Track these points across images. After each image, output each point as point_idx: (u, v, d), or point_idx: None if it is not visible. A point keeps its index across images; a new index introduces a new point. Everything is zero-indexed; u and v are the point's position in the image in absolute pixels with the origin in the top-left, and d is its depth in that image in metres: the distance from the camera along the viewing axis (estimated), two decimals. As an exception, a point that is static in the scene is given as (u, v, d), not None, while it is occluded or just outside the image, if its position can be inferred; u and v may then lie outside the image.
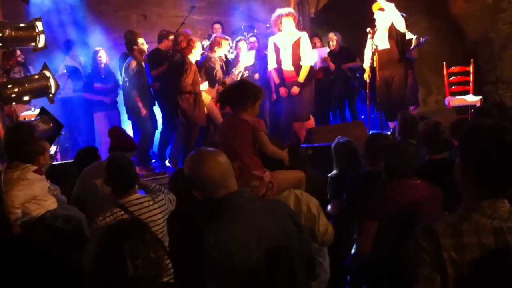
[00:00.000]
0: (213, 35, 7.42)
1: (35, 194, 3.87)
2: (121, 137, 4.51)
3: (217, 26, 8.33)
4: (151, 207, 3.40)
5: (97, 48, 7.93)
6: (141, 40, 7.17)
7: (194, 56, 6.82)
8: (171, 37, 7.35)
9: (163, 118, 7.60)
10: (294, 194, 3.22)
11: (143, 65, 7.21)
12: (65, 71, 8.07)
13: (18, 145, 4.02)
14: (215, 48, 7.11)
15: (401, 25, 7.03)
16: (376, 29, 7.19)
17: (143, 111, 7.04)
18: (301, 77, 6.94)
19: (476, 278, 1.72)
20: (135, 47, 7.07)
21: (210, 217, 2.08)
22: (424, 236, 1.78)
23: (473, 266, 1.71)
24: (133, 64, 7.00)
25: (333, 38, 8.41)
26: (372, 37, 7.18)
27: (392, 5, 7.01)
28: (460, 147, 1.89)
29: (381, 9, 7.09)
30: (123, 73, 7.18)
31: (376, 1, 7.08)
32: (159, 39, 7.50)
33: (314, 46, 7.94)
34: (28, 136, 4.19)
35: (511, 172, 1.76)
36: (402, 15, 7.14)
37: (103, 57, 7.80)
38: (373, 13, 7.17)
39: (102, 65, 7.79)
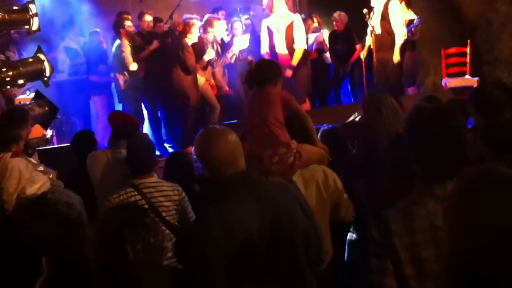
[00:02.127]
0: (206, 16, 7.35)
1: (24, 176, 3.86)
2: (122, 121, 4.44)
3: (221, 12, 8.20)
4: (165, 192, 3.38)
5: (96, 30, 7.83)
6: (128, 22, 7.16)
7: (191, 40, 6.82)
8: (147, 17, 7.35)
9: (149, 102, 7.57)
10: (322, 168, 3.28)
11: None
12: (63, 53, 8.01)
13: None
14: (208, 29, 7.07)
15: (395, 9, 6.89)
16: (373, 11, 7.10)
17: (122, 84, 7.04)
18: (295, 60, 6.89)
19: (429, 259, 1.73)
20: (121, 29, 7.04)
21: (215, 196, 2.08)
22: (375, 226, 1.80)
23: (426, 248, 1.73)
24: (125, 47, 6.98)
25: (337, 19, 8.27)
26: (368, 18, 7.09)
27: None
28: (406, 132, 1.92)
29: None
30: (112, 56, 7.15)
31: None
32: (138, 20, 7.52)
33: (308, 28, 7.86)
34: (2, 123, 4.15)
35: (454, 154, 1.79)
36: None
37: (103, 38, 7.75)
38: None
39: (104, 46, 7.72)
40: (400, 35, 6.88)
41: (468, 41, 8.24)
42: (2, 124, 4.06)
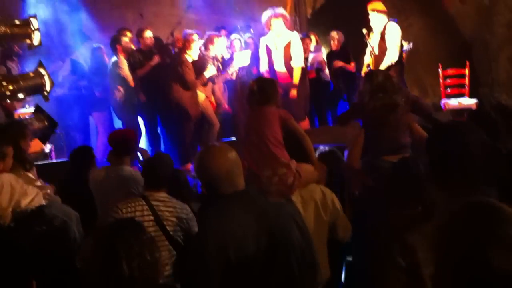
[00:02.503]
0: (207, 33, 7.40)
1: (16, 190, 3.85)
2: (122, 139, 4.41)
3: (223, 31, 8.24)
4: (173, 208, 3.40)
5: (99, 45, 7.85)
6: (126, 39, 7.19)
7: (190, 56, 6.86)
8: (147, 33, 7.41)
9: (148, 118, 7.60)
10: (320, 188, 3.30)
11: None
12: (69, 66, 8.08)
13: None
14: (209, 46, 7.12)
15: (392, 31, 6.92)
16: (373, 31, 7.14)
17: (119, 95, 7.06)
18: (295, 79, 6.89)
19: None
20: (118, 46, 7.08)
21: (211, 212, 2.10)
22: (400, 252, 1.75)
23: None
24: (121, 63, 7.03)
25: (335, 38, 8.34)
26: (368, 38, 7.14)
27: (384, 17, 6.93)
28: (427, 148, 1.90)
29: (375, 10, 6.99)
30: (109, 71, 7.18)
31: (372, 2, 7.01)
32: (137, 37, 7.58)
33: (306, 47, 7.89)
34: None
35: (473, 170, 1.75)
36: (395, 21, 7.05)
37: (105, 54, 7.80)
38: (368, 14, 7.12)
39: (107, 62, 7.77)
40: (390, 57, 6.76)
41: (467, 62, 8.29)
42: None
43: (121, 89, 7.07)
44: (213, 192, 2.09)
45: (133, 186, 4.08)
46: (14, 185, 3.86)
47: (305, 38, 8.10)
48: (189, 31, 7.37)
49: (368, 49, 7.09)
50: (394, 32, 6.84)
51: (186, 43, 6.93)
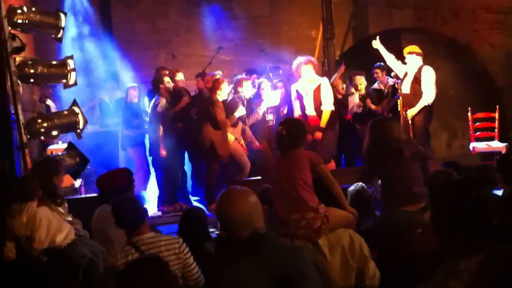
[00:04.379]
0: (237, 76, 7.57)
1: (53, 224, 3.96)
2: (109, 184, 4.38)
3: (254, 76, 8.40)
4: (163, 247, 3.38)
5: (134, 84, 8.03)
6: (167, 79, 7.27)
7: (221, 96, 7.00)
8: (178, 76, 7.61)
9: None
10: (348, 233, 3.28)
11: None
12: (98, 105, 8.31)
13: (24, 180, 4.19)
14: (238, 89, 7.27)
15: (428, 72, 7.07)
16: (407, 73, 7.23)
17: (163, 152, 7.12)
18: (323, 122, 7.03)
19: None
20: (161, 85, 7.17)
21: (228, 257, 2.10)
22: None
23: None
24: (162, 102, 7.10)
25: (358, 83, 8.37)
26: (396, 82, 7.30)
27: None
28: (432, 204, 1.90)
29: (413, 53, 7.16)
30: (149, 111, 7.30)
31: (409, 45, 7.21)
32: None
33: (336, 90, 7.98)
34: (28, 174, 4.33)
35: (480, 228, 1.73)
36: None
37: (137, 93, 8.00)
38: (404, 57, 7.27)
39: (136, 101, 7.96)
40: (426, 99, 7.01)
41: (497, 106, 8.24)
42: (29, 175, 4.21)
43: (161, 128, 7.16)
44: (232, 235, 2.09)
45: None
46: (51, 219, 3.97)
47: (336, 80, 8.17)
48: (213, 72, 7.58)
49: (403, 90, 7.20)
50: (429, 75, 7.09)
51: (215, 83, 7.09)
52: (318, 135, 6.99)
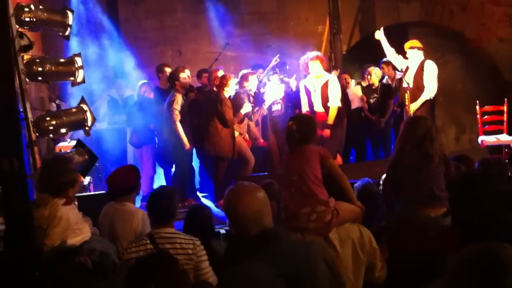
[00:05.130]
0: (242, 72, 7.54)
1: (71, 226, 3.96)
2: (119, 182, 4.45)
3: (260, 70, 8.38)
4: (178, 245, 3.40)
5: (145, 81, 8.02)
6: (183, 75, 7.21)
7: (228, 92, 7.00)
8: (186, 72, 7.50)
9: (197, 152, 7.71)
10: (357, 227, 3.30)
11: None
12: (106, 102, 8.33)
13: (51, 177, 4.13)
14: (244, 83, 7.24)
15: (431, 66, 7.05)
16: (408, 67, 7.24)
17: (187, 146, 7.07)
18: (330, 119, 7.03)
19: None
20: (176, 82, 7.12)
21: (238, 254, 2.09)
22: None
23: None
24: (177, 98, 7.03)
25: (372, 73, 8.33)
26: (404, 75, 7.26)
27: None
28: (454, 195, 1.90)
29: (414, 47, 7.16)
30: (166, 107, 7.20)
31: (410, 40, 7.19)
32: (198, 76, 7.77)
33: (343, 83, 7.95)
34: (62, 168, 4.30)
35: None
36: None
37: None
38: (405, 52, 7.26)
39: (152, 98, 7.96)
40: (428, 93, 7.03)
41: (505, 99, 8.19)
42: (57, 172, 4.17)
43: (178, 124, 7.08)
44: (241, 231, 2.10)
45: (134, 223, 4.17)
46: (72, 221, 3.94)
47: (341, 74, 8.16)
48: (215, 67, 7.58)
49: (404, 85, 7.19)
50: (432, 69, 7.09)
51: (223, 80, 7.07)
52: (327, 132, 6.99)
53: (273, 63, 7.90)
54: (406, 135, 4.12)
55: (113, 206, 4.39)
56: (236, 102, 7.11)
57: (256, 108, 7.41)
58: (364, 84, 8.48)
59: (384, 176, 4.40)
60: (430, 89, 7.04)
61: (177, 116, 6.95)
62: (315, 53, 7.16)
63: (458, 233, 3.25)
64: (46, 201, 3.99)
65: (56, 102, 7.90)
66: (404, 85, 7.26)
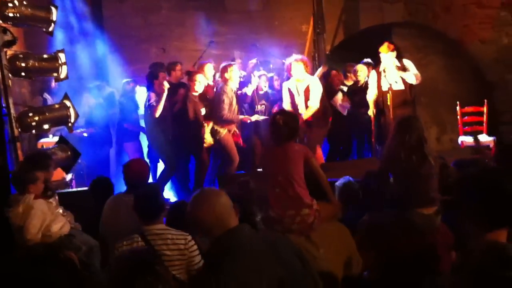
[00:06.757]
0: (222, 64, 7.36)
1: (48, 216, 3.98)
2: (136, 173, 4.41)
3: (238, 61, 8.37)
4: (170, 241, 3.41)
5: (129, 79, 8.01)
6: (162, 74, 7.19)
7: (234, 82, 7.11)
8: (178, 67, 7.54)
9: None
10: (337, 224, 3.38)
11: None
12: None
13: (14, 176, 4.22)
14: (224, 75, 7.10)
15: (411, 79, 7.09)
16: (385, 69, 7.19)
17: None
18: (305, 116, 6.95)
19: None
20: (155, 81, 7.08)
21: (212, 257, 2.14)
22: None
23: None
24: (152, 97, 7.02)
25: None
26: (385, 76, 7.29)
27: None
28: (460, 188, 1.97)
29: (386, 51, 7.14)
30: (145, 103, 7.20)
31: (385, 44, 7.16)
32: (167, 71, 7.63)
33: (336, 83, 8.03)
34: (22, 166, 4.34)
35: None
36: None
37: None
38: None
39: (136, 96, 7.93)
40: (412, 77, 7.04)
41: (485, 100, 8.32)
42: (22, 167, 4.23)
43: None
44: (206, 234, 2.14)
45: None
46: (46, 212, 3.99)
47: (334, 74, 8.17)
48: (204, 61, 7.58)
49: (387, 86, 7.20)
50: (410, 62, 7.22)
51: (224, 70, 7.04)
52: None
53: (250, 66, 7.92)
54: (399, 138, 4.18)
55: (120, 198, 4.34)
56: (217, 98, 7.10)
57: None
58: (348, 83, 8.47)
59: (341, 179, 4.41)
60: (415, 74, 7.04)
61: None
62: (300, 56, 7.17)
63: (449, 231, 3.36)
64: (18, 198, 4.01)
65: (43, 96, 7.82)
66: (385, 88, 7.21)
